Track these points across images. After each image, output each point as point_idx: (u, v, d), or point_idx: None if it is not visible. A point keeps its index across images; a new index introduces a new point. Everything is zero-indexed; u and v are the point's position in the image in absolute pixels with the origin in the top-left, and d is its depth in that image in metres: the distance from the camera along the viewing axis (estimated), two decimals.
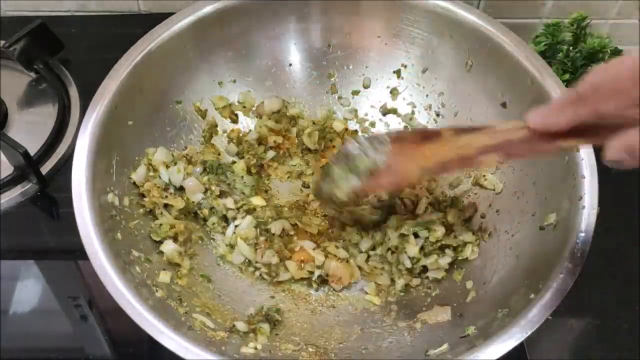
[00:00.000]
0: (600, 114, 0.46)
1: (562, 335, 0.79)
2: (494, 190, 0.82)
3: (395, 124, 0.92)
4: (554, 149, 0.53)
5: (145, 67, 0.78)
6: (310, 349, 0.71)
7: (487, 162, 0.60)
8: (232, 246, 0.81)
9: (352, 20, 0.88)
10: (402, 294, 0.79)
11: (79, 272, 0.83)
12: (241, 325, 0.71)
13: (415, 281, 0.79)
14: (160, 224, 0.76)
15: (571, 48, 0.86)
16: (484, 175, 0.83)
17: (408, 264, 0.77)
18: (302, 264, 0.80)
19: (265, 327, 0.72)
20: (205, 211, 0.81)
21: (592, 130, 0.49)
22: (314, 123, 0.91)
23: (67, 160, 0.92)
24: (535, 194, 0.76)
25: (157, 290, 0.69)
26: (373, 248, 0.82)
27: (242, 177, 0.86)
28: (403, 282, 0.78)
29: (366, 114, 0.93)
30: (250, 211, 0.82)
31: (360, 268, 0.81)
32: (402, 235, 0.78)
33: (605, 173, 0.70)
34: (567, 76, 0.84)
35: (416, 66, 0.89)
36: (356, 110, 0.93)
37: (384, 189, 0.74)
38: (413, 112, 0.91)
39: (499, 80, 0.82)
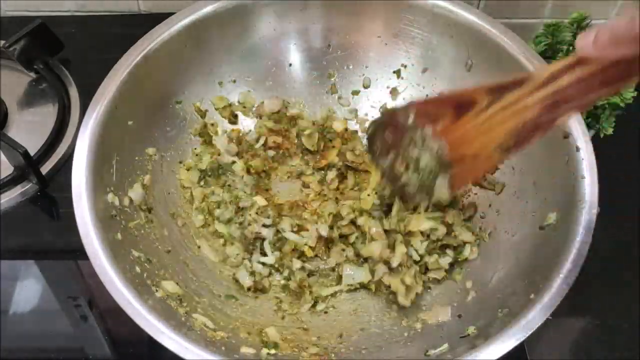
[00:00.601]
0: None
1: (562, 335, 0.79)
2: (494, 190, 0.82)
3: None
4: (616, 88, 0.51)
5: (145, 67, 0.78)
6: (310, 349, 0.71)
7: (564, 119, 0.57)
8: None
9: (352, 20, 0.88)
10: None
11: (79, 272, 0.83)
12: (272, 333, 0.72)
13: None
14: None
15: (571, 48, 0.86)
16: (484, 176, 0.83)
17: (416, 256, 0.77)
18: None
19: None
20: None
21: None
22: (313, 124, 0.91)
23: (67, 160, 0.92)
24: (535, 194, 0.76)
25: (157, 290, 0.69)
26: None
27: (242, 177, 0.86)
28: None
29: (366, 114, 0.93)
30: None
31: None
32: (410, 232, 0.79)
33: (605, 173, 0.70)
34: None
35: (416, 66, 0.89)
36: (356, 110, 0.93)
37: (477, 175, 0.68)
38: None
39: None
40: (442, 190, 0.65)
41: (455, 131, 0.61)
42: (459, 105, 0.60)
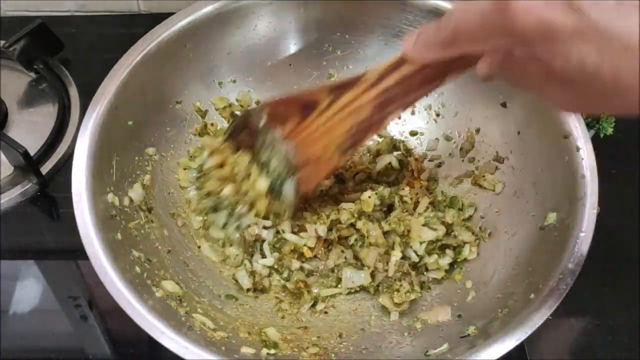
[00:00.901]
0: (467, 54, 0.48)
1: (562, 335, 0.79)
2: (493, 190, 0.82)
3: (393, 124, 0.91)
4: (432, 87, 0.55)
5: (145, 67, 0.78)
6: (310, 349, 0.71)
7: (392, 118, 0.59)
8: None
9: (352, 20, 0.88)
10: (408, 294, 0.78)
11: (79, 272, 0.83)
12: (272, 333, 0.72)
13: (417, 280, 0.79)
14: None
15: None
16: (484, 176, 0.83)
17: (415, 257, 0.77)
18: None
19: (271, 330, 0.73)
20: None
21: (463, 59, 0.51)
22: None
23: (67, 160, 0.92)
24: (535, 194, 0.76)
25: (157, 290, 0.69)
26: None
27: None
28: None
29: None
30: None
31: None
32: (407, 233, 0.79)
33: (605, 173, 0.70)
34: None
35: None
36: None
37: (320, 181, 0.69)
38: (413, 113, 0.91)
39: (498, 80, 0.82)
40: (289, 193, 0.66)
41: (301, 133, 0.61)
42: (305, 106, 0.61)
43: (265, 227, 0.81)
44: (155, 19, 0.81)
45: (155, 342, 0.60)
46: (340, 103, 0.59)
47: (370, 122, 0.59)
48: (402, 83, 0.57)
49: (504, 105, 0.82)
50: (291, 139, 0.61)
